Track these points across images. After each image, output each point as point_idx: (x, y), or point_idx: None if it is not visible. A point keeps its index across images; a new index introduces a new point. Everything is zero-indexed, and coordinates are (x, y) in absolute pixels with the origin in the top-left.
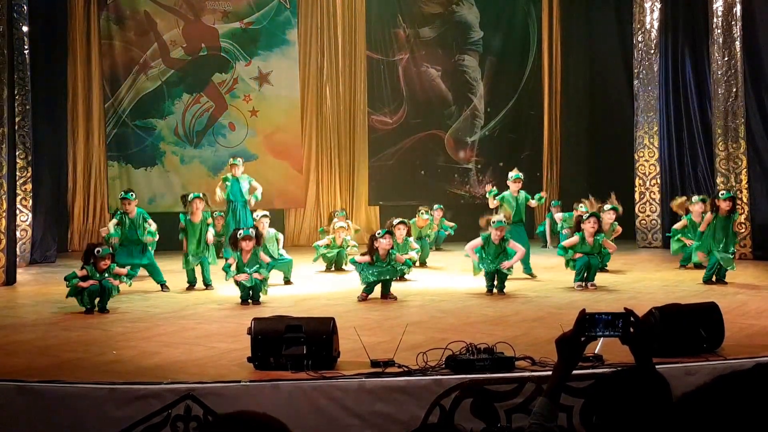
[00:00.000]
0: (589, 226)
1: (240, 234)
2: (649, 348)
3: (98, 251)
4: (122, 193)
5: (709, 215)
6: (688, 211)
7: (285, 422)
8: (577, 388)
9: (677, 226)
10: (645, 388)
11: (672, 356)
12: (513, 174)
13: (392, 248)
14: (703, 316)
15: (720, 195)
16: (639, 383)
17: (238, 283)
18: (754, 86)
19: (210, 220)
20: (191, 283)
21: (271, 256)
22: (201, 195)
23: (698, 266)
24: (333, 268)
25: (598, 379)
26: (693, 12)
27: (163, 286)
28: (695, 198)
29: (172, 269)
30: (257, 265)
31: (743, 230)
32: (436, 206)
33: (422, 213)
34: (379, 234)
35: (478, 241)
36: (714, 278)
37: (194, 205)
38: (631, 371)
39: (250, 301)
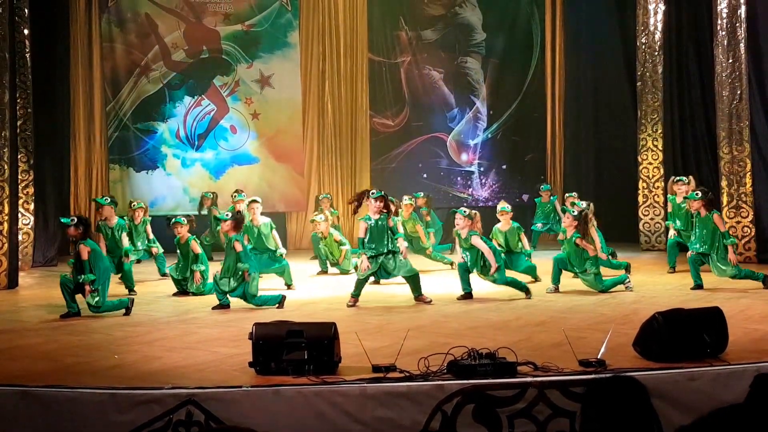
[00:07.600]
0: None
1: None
2: None
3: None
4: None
5: (688, 204)
6: (674, 192)
7: (286, 428)
8: (578, 393)
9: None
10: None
11: (675, 361)
12: (501, 206)
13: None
14: (707, 320)
15: (693, 195)
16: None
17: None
18: (759, 88)
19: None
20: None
21: (267, 249)
22: (182, 220)
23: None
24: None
25: (589, 385)
26: (697, 14)
27: (131, 291)
28: (677, 179)
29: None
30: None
31: (745, 233)
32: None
33: (407, 199)
34: (373, 194)
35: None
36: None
37: (176, 230)
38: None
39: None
